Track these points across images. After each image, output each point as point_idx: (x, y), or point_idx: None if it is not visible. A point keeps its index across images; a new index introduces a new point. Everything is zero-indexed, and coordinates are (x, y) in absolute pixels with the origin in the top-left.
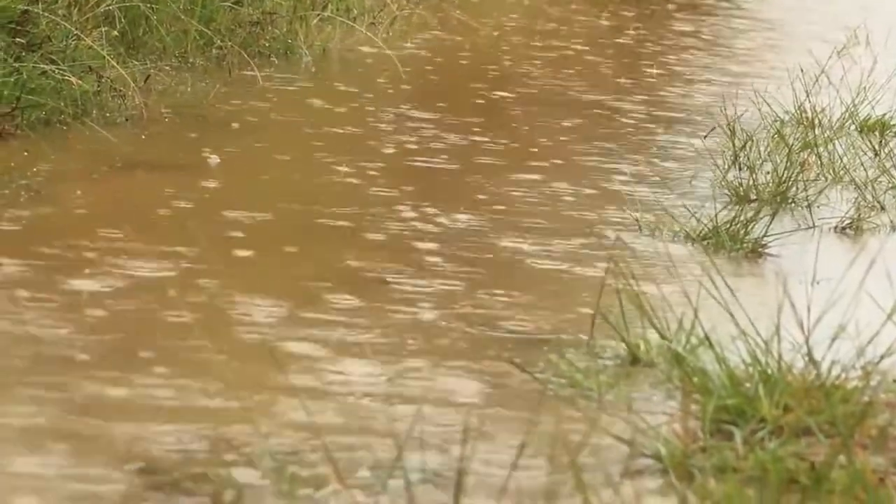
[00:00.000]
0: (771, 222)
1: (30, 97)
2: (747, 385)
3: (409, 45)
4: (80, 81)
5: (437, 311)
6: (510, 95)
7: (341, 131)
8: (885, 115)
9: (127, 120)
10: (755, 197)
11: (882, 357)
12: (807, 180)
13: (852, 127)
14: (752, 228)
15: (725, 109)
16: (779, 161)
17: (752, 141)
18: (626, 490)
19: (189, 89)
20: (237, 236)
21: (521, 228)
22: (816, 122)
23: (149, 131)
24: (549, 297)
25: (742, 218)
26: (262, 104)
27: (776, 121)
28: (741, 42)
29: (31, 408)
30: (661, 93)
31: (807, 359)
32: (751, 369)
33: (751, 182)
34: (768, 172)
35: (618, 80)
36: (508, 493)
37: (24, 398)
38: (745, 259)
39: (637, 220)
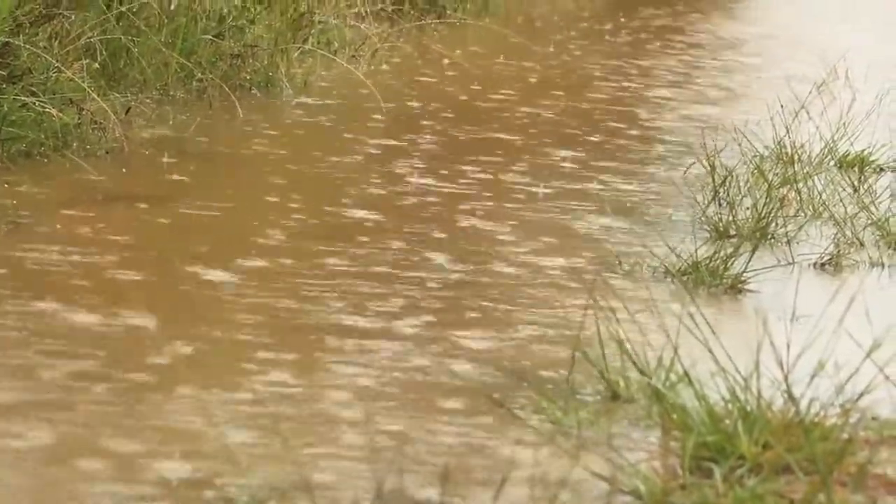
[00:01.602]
0: (751, 258)
1: (10, 129)
2: (727, 422)
3: (389, 78)
4: (60, 114)
5: (415, 347)
6: (489, 130)
7: (318, 165)
8: (864, 150)
9: (107, 152)
10: (735, 233)
11: (861, 394)
12: (786, 216)
13: (831, 163)
14: (731, 264)
15: (705, 144)
16: (758, 197)
17: (732, 176)
18: None
19: (170, 122)
20: (219, 273)
21: (499, 263)
22: (796, 157)
23: (129, 164)
24: (528, 333)
25: (722, 254)
26: (243, 137)
27: (756, 156)
28: (721, 76)
29: None
30: (640, 127)
31: (786, 396)
32: (730, 406)
33: (730, 218)
34: (748, 208)
35: (595, 113)
36: None
37: None
38: (724, 295)
39: (616, 255)
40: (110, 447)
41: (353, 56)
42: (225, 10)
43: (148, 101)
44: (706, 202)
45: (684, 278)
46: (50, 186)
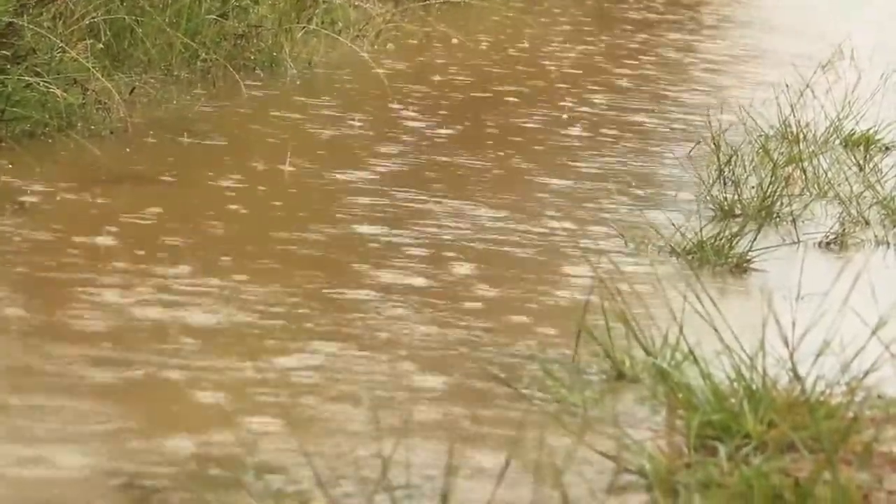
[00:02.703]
0: (756, 237)
1: (14, 109)
2: (732, 401)
3: (392, 58)
4: (65, 94)
5: (422, 327)
6: (490, 111)
7: (322, 145)
8: (869, 129)
9: (112, 132)
10: (740, 212)
11: (867, 373)
12: (791, 195)
13: (837, 141)
14: (736, 243)
15: (710, 124)
16: (764, 176)
17: (737, 155)
18: None
19: (174, 102)
20: (218, 251)
21: (505, 243)
22: (801, 136)
23: (133, 144)
24: (533, 312)
25: (727, 233)
26: (247, 117)
27: (761, 135)
28: (727, 57)
29: None
30: (646, 107)
31: (791, 374)
32: (736, 385)
33: (736, 197)
34: (753, 187)
35: (602, 95)
36: None
37: None
38: (729, 274)
39: (622, 234)
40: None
41: (358, 36)
42: None
43: (152, 81)
44: (711, 181)
45: (689, 257)
46: (54, 167)
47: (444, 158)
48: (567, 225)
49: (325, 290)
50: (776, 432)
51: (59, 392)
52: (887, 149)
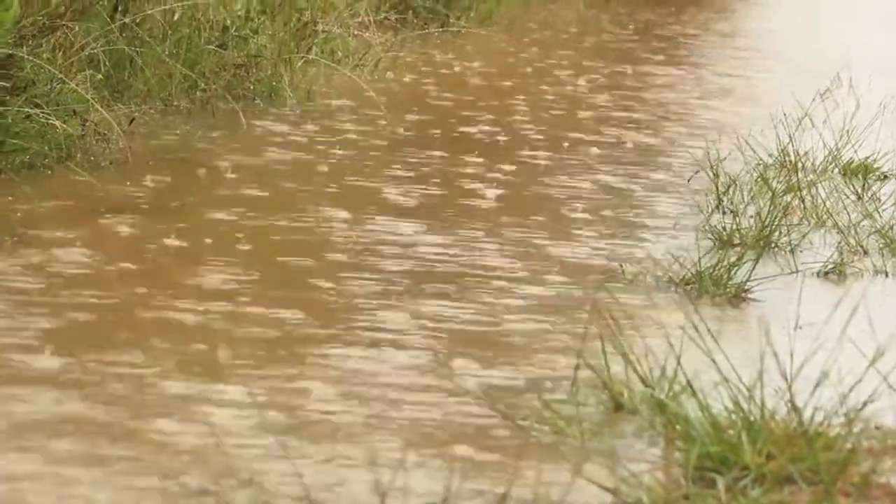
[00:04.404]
0: (754, 267)
1: (14, 141)
2: (730, 432)
3: (392, 86)
4: (64, 125)
5: (419, 358)
6: (490, 141)
7: (322, 176)
8: (867, 158)
9: (111, 163)
10: (738, 241)
11: (865, 404)
12: (790, 224)
13: (835, 170)
14: (735, 273)
15: (709, 152)
16: (762, 205)
17: (736, 184)
18: None
19: (174, 132)
20: (218, 286)
21: (503, 274)
22: (800, 165)
23: (133, 175)
24: (531, 343)
25: (725, 262)
26: (247, 148)
27: (759, 164)
28: (725, 83)
29: None
30: (643, 136)
31: (790, 405)
32: (734, 416)
33: (734, 226)
34: (752, 216)
35: (599, 126)
36: None
37: None
38: (728, 304)
39: (620, 265)
40: None
41: (357, 65)
42: (228, 21)
43: (152, 111)
44: (710, 210)
45: (688, 287)
46: (54, 198)
47: (436, 189)
48: (564, 255)
49: (321, 318)
50: (774, 464)
51: None
52: (886, 177)
